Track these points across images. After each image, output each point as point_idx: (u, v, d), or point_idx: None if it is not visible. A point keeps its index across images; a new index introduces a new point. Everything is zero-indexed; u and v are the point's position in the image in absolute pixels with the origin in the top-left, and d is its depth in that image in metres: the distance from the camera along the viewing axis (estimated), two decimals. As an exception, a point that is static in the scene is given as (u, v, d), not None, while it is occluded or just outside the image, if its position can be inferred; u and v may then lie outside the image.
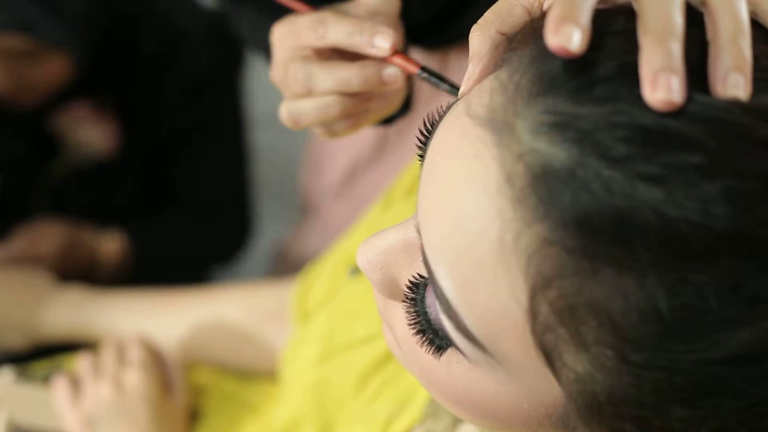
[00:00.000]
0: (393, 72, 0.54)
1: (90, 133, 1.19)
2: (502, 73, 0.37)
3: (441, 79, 0.52)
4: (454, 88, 0.51)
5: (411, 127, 0.89)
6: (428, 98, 0.86)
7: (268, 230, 1.45)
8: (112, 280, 1.16)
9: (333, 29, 0.53)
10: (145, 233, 1.24)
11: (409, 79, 0.59)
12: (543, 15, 0.39)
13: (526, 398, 0.38)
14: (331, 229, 1.06)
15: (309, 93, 0.54)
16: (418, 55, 0.86)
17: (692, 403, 0.34)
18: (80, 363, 0.86)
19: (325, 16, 0.54)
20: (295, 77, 0.54)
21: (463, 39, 0.70)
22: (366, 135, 0.94)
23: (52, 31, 1.04)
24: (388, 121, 0.63)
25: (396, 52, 0.53)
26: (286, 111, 0.56)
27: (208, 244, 1.32)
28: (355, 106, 0.55)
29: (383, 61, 0.54)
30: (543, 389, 0.37)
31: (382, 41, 0.52)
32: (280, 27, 0.57)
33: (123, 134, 1.21)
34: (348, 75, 0.53)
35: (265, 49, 0.65)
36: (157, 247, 1.24)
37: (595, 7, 0.35)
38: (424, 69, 0.53)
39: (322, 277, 0.76)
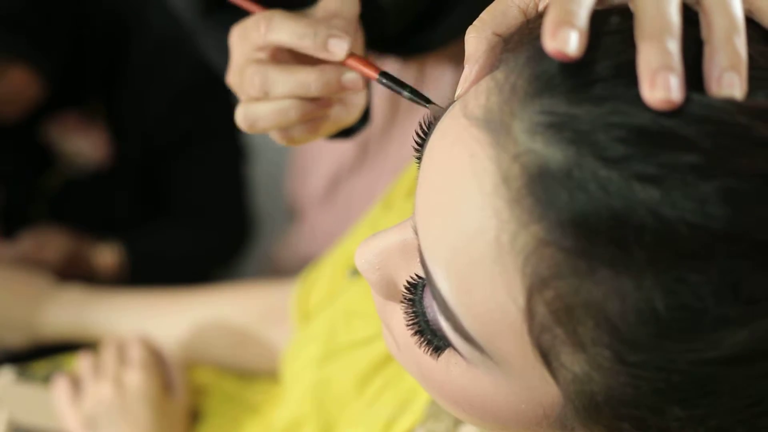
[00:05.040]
0: (353, 77, 0.52)
1: (80, 143, 1.19)
2: (499, 74, 0.37)
3: (402, 85, 0.50)
4: (415, 95, 0.50)
5: (392, 134, 0.89)
6: (408, 105, 0.85)
7: (267, 230, 1.45)
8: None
9: (278, 28, 0.52)
10: (143, 244, 1.23)
11: (368, 89, 0.58)
12: (539, 15, 0.39)
13: (524, 399, 0.38)
14: (317, 236, 1.06)
15: (266, 96, 0.53)
16: (394, 65, 0.85)
17: (690, 403, 0.34)
18: (81, 363, 0.86)
19: (273, 14, 0.53)
20: (251, 81, 0.53)
21: (439, 47, 0.70)
22: (347, 143, 0.94)
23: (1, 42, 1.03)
24: (347, 133, 0.62)
25: (353, 56, 0.52)
26: (242, 114, 0.55)
27: (206, 249, 1.32)
28: (314, 111, 0.54)
29: (341, 65, 0.52)
30: (541, 390, 0.37)
31: (337, 46, 0.51)
32: (234, 29, 0.56)
33: (114, 144, 1.21)
34: (307, 79, 0.52)
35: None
36: (154, 257, 1.24)
37: (592, 9, 0.35)
38: (383, 74, 0.51)
39: (322, 278, 0.76)
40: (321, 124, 0.56)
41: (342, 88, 0.53)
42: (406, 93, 0.50)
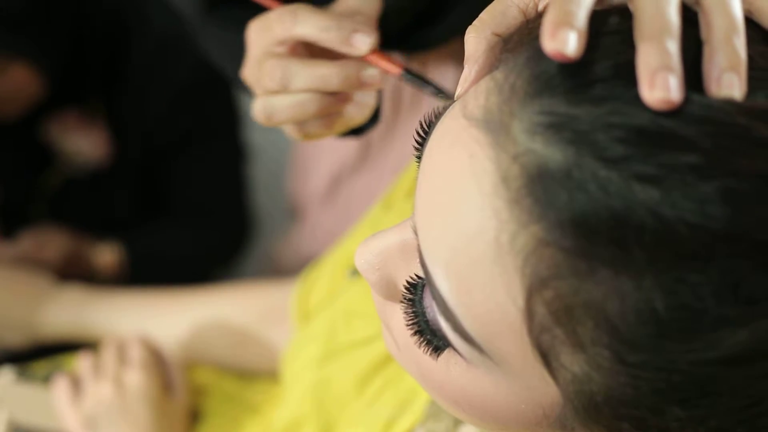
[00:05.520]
0: (373, 73, 0.53)
1: (80, 142, 1.19)
2: (498, 74, 0.37)
3: (424, 80, 0.51)
4: (437, 91, 0.50)
5: (394, 133, 0.89)
6: (411, 103, 0.85)
7: (268, 230, 1.45)
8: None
9: (303, 21, 0.53)
10: (143, 243, 1.23)
11: (378, 90, 0.59)
12: (538, 16, 0.39)
13: (523, 399, 0.38)
14: (318, 235, 1.06)
15: (284, 90, 0.54)
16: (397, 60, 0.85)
17: (690, 403, 0.34)
18: (81, 363, 0.86)
19: (297, 7, 0.54)
20: (270, 74, 0.53)
21: (440, 45, 0.71)
22: (349, 142, 0.95)
23: (0, 41, 1.03)
24: (357, 132, 0.63)
25: (375, 52, 0.53)
26: (260, 107, 0.55)
27: (206, 249, 1.32)
28: (331, 106, 0.54)
29: (363, 61, 0.53)
30: (540, 390, 0.37)
31: (361, 40, 0.52)
32: (254, 23, 0.57)
33: (115, 143, 1.21)
34: (327, 73, 0.52)
35: (232, 68, 0.64)
36: (154, 257, 1.24)
37: (591, 10, 0.35)
38: (406, 70, 0.52)
39: (322, 277, 0.76)
40: (335, 120, 0.56)
41: (361, 84, 0.53)
42: (429, 89, 0.50)
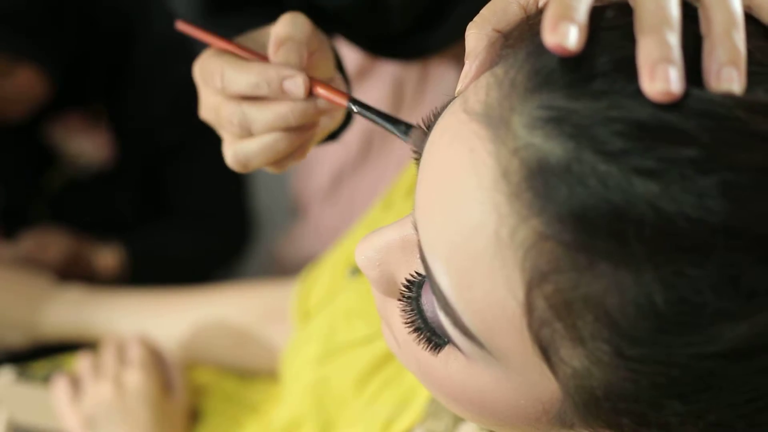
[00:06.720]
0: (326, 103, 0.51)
1: (83, 144, 1.19)
2: (498, 70, 0.37)
3: (369, 109, 0.50)
4: (381, 118, 0.49)
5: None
6: (412, 101, 0.86)
7: (270, 228, 1.45)
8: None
9: (233, 81, 0.51)
10: (143, 245, 1.23)
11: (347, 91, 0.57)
12: (539, 12, 0.39)
13: (523, 394, 0.38)
14: (321, 232, 1.07)
15: (249, 134, 0.52)
16: (395, 67, 0.84)
17: (689, 397, 0.34)
18: (80, 363, 0.86)
19: (223, 67, 0.52)
20: (230, 121, 0.52)
21: (442, 49, 0.71)
22: (351, 139, 0.95)
23: (7, 43, 1.04)
24: (332, 136, 0.62)
25: (317, 83, 0.51)
26: (231, 156, 0.54)
27: (207, 251, 1.32)
28: (300, 137, 0.53)
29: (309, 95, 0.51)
30: (540, 385, 0.37)
31: (294, 84, 0.50)
32: (196, 71, 0.55)
33: (117, 144, 1.21)
34: (283, 111, 0.51)
35: None
36: (155, 258, 1.24)
37: (591, 5, 0.35)
38: (352, 100, 0.51)
39: (322, 277, 0.76)
40: (309, 146, 0.55)
41: (321, 112, 0.52)
42: (372, 116, 0.49)
